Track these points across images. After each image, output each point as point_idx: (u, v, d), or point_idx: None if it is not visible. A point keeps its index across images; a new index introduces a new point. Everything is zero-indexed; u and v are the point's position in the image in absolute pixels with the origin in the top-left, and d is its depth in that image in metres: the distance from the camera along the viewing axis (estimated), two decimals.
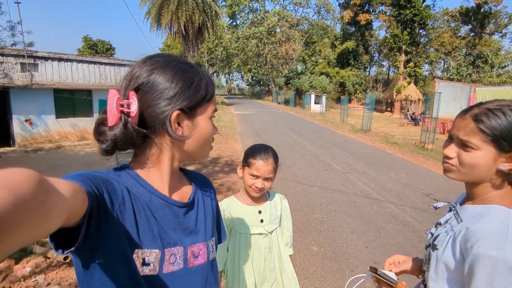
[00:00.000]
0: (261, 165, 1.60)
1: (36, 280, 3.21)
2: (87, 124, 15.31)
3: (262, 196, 1.74)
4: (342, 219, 5.09)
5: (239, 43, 47.83)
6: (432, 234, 1.11)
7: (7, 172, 0.42)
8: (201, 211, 0.94)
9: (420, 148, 12.09)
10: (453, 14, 43.72)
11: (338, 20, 52.83)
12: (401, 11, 32.35)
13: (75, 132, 15.09)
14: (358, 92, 44.56)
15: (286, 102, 41.52)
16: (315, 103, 34.68)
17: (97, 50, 38.39)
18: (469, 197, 1.07)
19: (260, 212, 1.72)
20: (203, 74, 0.85)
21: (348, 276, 3.52)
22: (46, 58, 14.18)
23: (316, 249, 4.14)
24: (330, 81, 39.84)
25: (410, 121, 24.85)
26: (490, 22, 42.16)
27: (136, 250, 0.74)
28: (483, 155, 0.93)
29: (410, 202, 5.95)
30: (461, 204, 1.09)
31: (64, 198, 0.49)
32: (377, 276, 1.18)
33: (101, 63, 15.98)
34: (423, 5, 34.22)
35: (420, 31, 36.32)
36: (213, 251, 0.95)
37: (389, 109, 38.32)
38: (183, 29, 25.42)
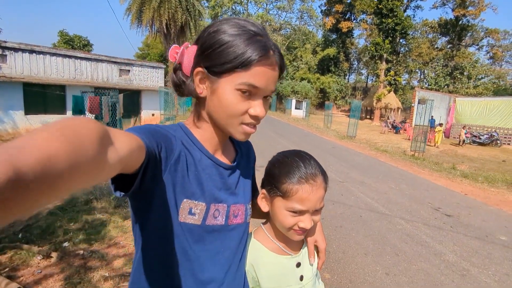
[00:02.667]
0: (309, 192, 0.92)
1: None
2: None
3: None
4: (351, 237, 4.53)
5: None
6: None
7: (72, 122, 0.41)
8: (242, 176, 0.95)
9: (411, 157, 11.82)
10: (433, 25, 44.78)
11: (320, 26, 53.09)
12: (383, 20, 32.78)
13: None
14: (338, 98, 44.83)
15: None
16: (296, 108, 34.55)
17: (73, 45, 36.88)
18: None
19: (299, 264, 1.07)
20: (248, 41, 0.73)
21: None
22: (16, 49, 13.05)
23: (328, 277, 3.54)
24: (311, 87, 39.86)
25: (390, 129, 25.00)
26: (467, 34, 43.36)
27: (185, 200, 0.79)
28: None
29: (421, 217, 5.46)
30: None
31: (120, 153, 0.50)
32: None
33: (76, 57, 14.89)
34: (405, 14, 34.85)
35: (401, 40, 36.93)
36: (249, 214, 0.96)
37: (368, 116, 38.74)
38: (164, 27, 24.50)
